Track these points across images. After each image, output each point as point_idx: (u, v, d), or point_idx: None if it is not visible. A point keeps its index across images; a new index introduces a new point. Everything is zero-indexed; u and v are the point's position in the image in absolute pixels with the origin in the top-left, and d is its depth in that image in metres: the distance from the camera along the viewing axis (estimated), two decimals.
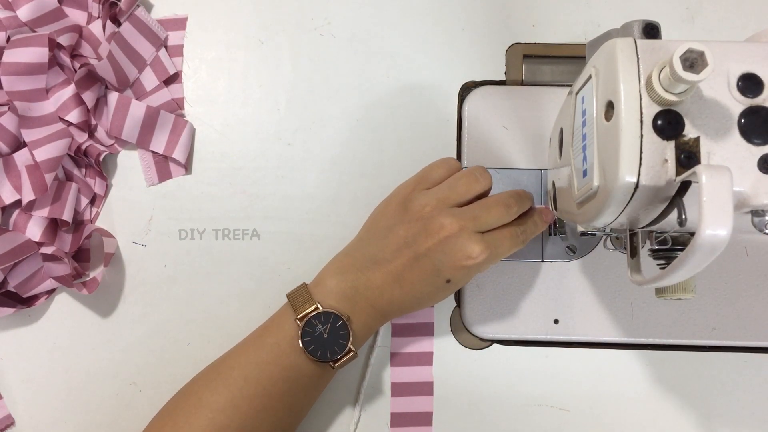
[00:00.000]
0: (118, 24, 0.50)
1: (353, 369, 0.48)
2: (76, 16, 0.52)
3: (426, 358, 0.48)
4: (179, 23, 0.53)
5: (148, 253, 0.50)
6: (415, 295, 0.42)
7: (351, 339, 0.40)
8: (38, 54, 0.48)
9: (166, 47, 0.52)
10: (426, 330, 0.48)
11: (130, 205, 0.51)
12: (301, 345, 0.40)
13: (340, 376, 0.47)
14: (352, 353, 0.41)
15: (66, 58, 0.50)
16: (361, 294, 0.41)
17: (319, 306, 0.40)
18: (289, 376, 0.40)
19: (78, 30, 0.51)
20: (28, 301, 0.49)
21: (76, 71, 0.49)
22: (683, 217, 0.30)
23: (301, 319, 0.40)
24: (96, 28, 0.51)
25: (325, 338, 0.40)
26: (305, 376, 0.41)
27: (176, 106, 0.51)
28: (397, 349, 0.48)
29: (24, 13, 0.49)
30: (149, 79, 0.51)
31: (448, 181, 0.43)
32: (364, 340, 0.43)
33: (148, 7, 0.53)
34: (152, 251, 0.50)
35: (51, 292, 0.50)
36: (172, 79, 0.52)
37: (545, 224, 0.45)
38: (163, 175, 0.51)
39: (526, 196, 0.44)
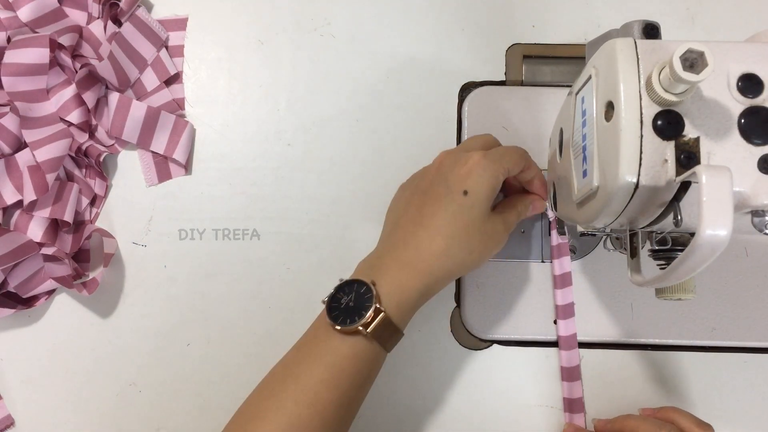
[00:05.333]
0: (119, 24, 0.50)
1: None
2: (76, 16, 0.52)
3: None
4: (180, 23, 0.53)
5: (147, 254, 0.50)
6: (441, 227, 0.39)
7: (377, 300, 0.38)
8: (39, 55, 0.48)
9: (166, 47, 0.52)
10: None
11: (130, 205, 0.51)
12: (329, 321, 0.38)
13: None
14: (382, 315, 0.37)
15: (67, 59, 0.50)
16: (385, 256, 0.40)
17: (341, 280, 0.39)
18: (330, 362, 0.38)
19: (78, 30, 0.51)
20: (28, 302, 0.49)
21: (76, 72, 0.49)
22: (678, 218, 0.30)
23: (327, 300, 0.39)
24: (96, 28, 0.51)
25: (351, 306, 0.38)
26: (346, 359, 0.38)
27: (177, 106, 0.51)
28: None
29: (24, 13, 0.49)
30: (150, 79, 0.51)
31: None
32: (401, 303, 0.39)
33: (149, 8, 0.53)
34: (152, 251, 0.50)
35: (51, 292, 0.50)
36: (173, 79, 0.52)
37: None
38: (163, 175, 0.51)
39: None
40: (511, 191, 0.46)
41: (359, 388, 0.39)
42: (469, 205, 0.39)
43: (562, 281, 0.48)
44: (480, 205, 0.39)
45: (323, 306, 0.40)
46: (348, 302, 0.38)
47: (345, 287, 0.39)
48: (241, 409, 0.40)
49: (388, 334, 0.38)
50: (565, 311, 0.47)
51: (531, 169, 0.43)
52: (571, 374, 0.47)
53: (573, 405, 0.47)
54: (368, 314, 0.37)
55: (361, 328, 0.37)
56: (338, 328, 0.38)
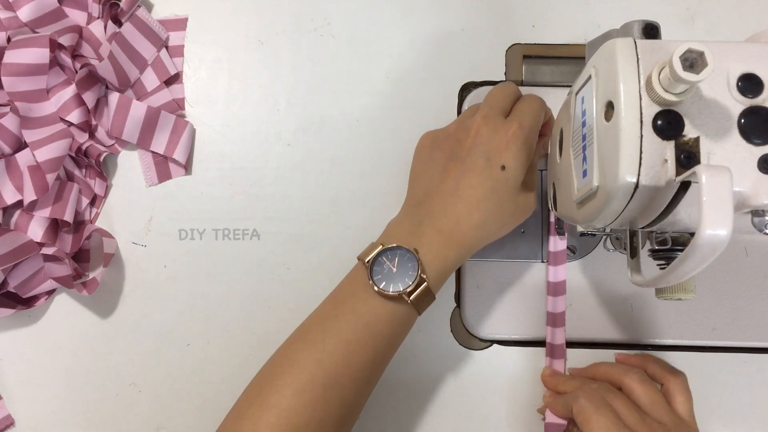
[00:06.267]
0: (120, 24, 0.50)
1: None
2: (76, 16, 0.52)
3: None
4: (180, 23, 0.53)
5: (148, 253, 0.50)
6: (480, 202, 0.40)
7: (421, 268, 0.39)
8: (39, 55, 0.48)
9: (166, 47, 0.52)
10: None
11: (130, 205, 0.51)
12: (371, 283, 0.39)
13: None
14: (425, 284, 0.39)
15: (67, 59, 0.50)
16: (425, 224, 0.40)
17: (383, 245, 0.40)
18: (368, 323, 0.39)
19: (78, 30, 0.51)
20: (28, 302, 0.49)
21: (77, 72, 0.49)
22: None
23: (369, 262, 0.39)
24: (96, 28, 0.51)
25: (394, 273, 0.39)
26: (384, 322, 0.39)
27: (177, 106, 0.51)
28: None
29: (24, 13, 0.49)
30: (150, 79, 0.51)
31: None
32: (440, 273, 0.40)
33: (148, 8, 0.53)
34: (152, 251, 0.50)
35: (51, 292, 0.50)
36: (173, 79, 0.52)
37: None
38: (163, 175, 0.51)
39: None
40: None
41: (391, 347, 0.41)
42: (505, 179, 0.40)
43: (554, 289, 0.48)
44: (516, 180, 0.41)
45: (357, 262, 0.41)
46: (391, 267, 0.39)
47: (388, 252, 0.39)
48: (273, 359, 0.40)
49: (426, 301, 0.40)
50: (555, 319, 0.48)
51: (546, 115, 0.44)
52: (555, 320, 0.47)
53: (555, 350, 0.47)
54: (413, 282, 0.39)
55: (404, 295, 0.39)
56: (380, 291, 0.39)
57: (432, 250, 0.40)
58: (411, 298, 0.39)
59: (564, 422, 0.44)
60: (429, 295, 0.40)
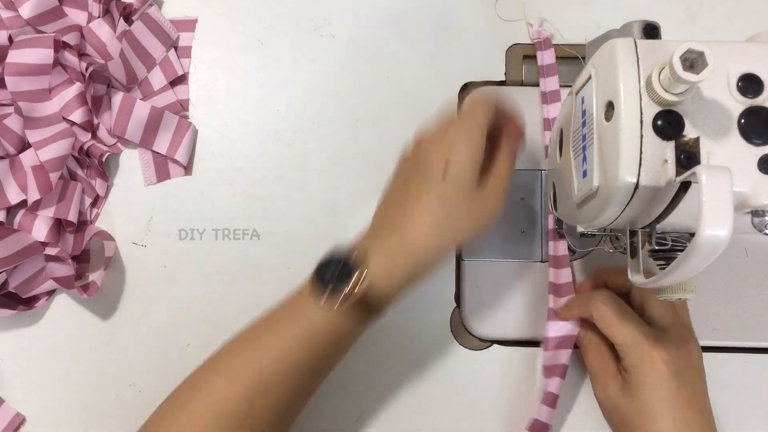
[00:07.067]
0: (130, 22, 0.50)
1: None
2: (75, 15, 0.52)
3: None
4: (189, 24, 0.52)
5: (147, 254, 0.50)
6: (429, 210, 0.38)
7: (361, 266, 0.38)
8: (43, 55, 0.48)
9: (175, 48, 0.52)
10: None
11: (130, 205, 0.51)
12: (309, 286, 0.38)
13: None
14: (362, 277, 0.37)
15: (72, 58, 0.49)
16: (379, 233, 0.40)
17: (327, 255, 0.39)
18: (313, 331, 0.38)
19: (78, 29, 0.51)
20: (29, 302, 0.49)
21: (82, 71, 0.49)
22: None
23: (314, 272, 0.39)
24: (96, 27, 0.51)
25: (336, 275, 0.38)
26: (322, 333, 0.38)
27: (180, 107, 0.51)
28: None
29: (26, 10, 0.49)
30: (157, 78, 0.51)
31: None
32: (386, 274, 0.38)
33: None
34: (152, 251, 0.50)
35: (51, 292, 0.49)
36: (179, 80, 0.52)
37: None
38: (162, 175, 0.51)
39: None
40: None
41: (330, 358, 0.40)
42: (452, 183, 0.38)
43: (555, 289, 0.47)
44: (465, 182, 0.38)
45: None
46: (335, 270, 0.38)
47: (331, 262, 0.39)
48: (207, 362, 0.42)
49: (368, 309, 0.38)
50: (557, 261, 0.47)
51: (501, 111, 0.41)
52: (558, 262, 0.48)
53: (559, 289, 0.47)
54: (352, 281, 0.37)
55: (340, 299, 0.38)
56: (315, 296, 0.38)
57: (382, 258, 0.38)
58: (348, 301, 0.37)
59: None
60: (370, 304, 0.38)
